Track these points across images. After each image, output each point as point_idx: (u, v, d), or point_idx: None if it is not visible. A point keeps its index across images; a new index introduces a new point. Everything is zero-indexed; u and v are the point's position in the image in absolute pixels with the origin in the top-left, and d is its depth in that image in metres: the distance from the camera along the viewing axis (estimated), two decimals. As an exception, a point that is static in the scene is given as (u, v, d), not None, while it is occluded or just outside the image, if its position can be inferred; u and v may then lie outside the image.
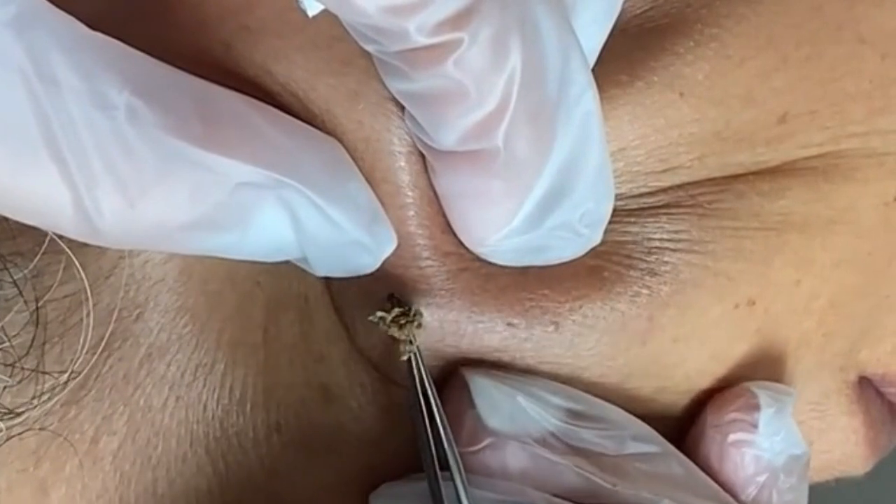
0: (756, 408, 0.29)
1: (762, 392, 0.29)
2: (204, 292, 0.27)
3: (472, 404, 0.27)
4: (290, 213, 0.24)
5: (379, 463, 0.28)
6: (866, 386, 0.34)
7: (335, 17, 0.24)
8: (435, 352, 0.28)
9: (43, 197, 0.22)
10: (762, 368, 0.31)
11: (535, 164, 0.25)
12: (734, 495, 0.29)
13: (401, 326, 0.27)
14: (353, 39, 0.25)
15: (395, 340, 0.27)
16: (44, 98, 0.22)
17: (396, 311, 0.27)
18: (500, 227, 0.26)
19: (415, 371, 0.27)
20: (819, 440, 0.33)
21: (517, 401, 0.27)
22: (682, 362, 0.29)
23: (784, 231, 0.29)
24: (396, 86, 0.25)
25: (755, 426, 0.29)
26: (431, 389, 0.27)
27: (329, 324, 0.28)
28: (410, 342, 0.27)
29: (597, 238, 0.27)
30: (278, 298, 0.28)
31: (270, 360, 0.27)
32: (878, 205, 0.30)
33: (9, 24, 0.21)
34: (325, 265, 0.26)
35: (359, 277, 0.27)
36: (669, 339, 0.29)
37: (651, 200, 0.29)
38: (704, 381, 0.30)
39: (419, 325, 0.27)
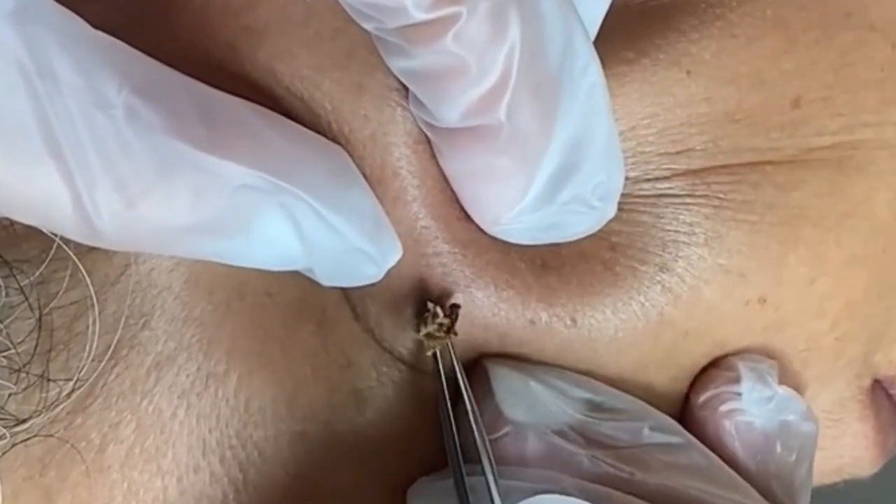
0: (737, 379, 0.29)
1: (740, 363, 0.29)
2: (211, 302, 0.27)
3: (491, 393, 0.27)
4: (291, 220, 0.24)
5: (414, 457, 0.28)
6: (877, 389, 0.33)
7: (335, 4, 0.24)
8: (461, 345, 0.28)
9: (42, 195, 0.22)
10: None
11: (541, 138, 0.25)
12: (734, 468, 0.28)
13: (444, 331, 0.27)
14: (355, 30, 0.25)
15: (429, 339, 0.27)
16: (43, 94, 0.22)
17: (440, 321, 0.27)
18: (512, 205, 0.26)
19: (441, 365, 0.27)
20: (831, 446, 0.33)
21: (537, 392, 0.27)
22: (690, 353, 0.29)
23: (799, 225, 0.29)
24: (397, 64, 0.25)
25: (740, 395, 0.29)
26: (465, 382, 0.27)
27: (352, 331, 0.28)
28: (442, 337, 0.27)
29: (611, 211, 0.27)
30: (294, 309, 0.27)
31: (291, 371, 0.27)
32: (891, 198, 0.30)
33: (7, 17, 0.21)
34: (330, 274, 0.25)
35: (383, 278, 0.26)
36: (680, 333, 0.29)
37: (666, 186, 0.28)
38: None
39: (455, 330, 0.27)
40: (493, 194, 0.26)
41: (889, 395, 0.34)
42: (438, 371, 0.27)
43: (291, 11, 0.26)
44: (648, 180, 0.28)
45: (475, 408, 0.27)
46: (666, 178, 0.28)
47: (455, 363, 0.27)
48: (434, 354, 0.27)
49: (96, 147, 0.22)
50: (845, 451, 0.33)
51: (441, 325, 0.27)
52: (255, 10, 0.26)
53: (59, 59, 0.22)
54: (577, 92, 0.25)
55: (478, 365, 0.28)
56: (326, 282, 0.26)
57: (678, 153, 0.28)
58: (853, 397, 0.33)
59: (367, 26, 0.24)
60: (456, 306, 0.27)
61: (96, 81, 0.22)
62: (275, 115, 0.25)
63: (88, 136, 0.22)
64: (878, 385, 0.33)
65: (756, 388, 0.29)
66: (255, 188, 0.23)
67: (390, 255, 0.26)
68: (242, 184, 0.23)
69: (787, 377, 0.30)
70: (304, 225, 0.24)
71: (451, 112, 0.24)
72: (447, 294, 0.27)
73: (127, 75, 0.22)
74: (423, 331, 0.27)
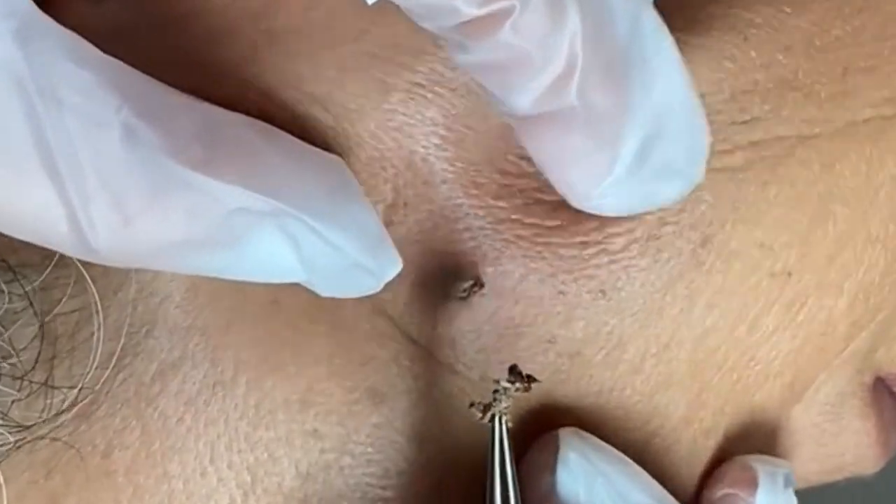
0: (754, 482, 0.29)
1: (759, 466, 0.30)
2: (214, 310, 0.27)
3: (553, 470, 0.28)
4: (290, 239, 0.24)
5: (431, 456, 0.28)
6: (879, 387, 0.33)
7: (358, 8, 0.25)
8: (490, 322, 0.28)
9: (37, 211, 0.22)
10: (783, 346, 0.30)
11: (618, 114, 0.25)
12: None
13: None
14: (379, 31, 0.25)
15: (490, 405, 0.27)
16: (41, 112, 0.22)
17: (518, 385, 0.27)
18: (598, 182, 0.26)
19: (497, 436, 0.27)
20: (832, 443, 0.33)
21: (597, 486, 0.28)
22: (713, 329, 0.29)
23: (832, 202, 0.29)
24: (461, 58, 0.25)
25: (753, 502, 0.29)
26: (513, 473, 0.27)
27: (373, 325, 0.28)
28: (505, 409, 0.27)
29: (700, 175, 0.26)
30: (304, 313, 0.27)
31: (303, 373, 0.27)
32: None
33: (10, 36, 0.21)
34: (328, 287, 0.25)
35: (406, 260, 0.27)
36: (704, 305, 0.29)
37: (727, 161, 0.29)
38: (734, 354, 0.30)
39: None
40: (579, 174, 0.26)
41: (892, 394, 0.34)
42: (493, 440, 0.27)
43: (312, 16, 0.26)
44: (715, 154, 0.28)
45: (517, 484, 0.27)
46: (730, 152, 0.29)
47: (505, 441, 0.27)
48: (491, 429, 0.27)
49: (93, 165, 0.22)
50: (847, 448, 0.33)
51: (515, 389, 0.27)
52: (276, 14, 0.26)
53: (59, 78, 0.22)
54: (649, 62, 0.25)
55: (551, 435, 0.28)
56: (324, 293, 0.26)
57: (744, 122, 0.28)
58: (853, 393, 0.33)
59: (427, 25, 0.24)
60: (531, 378, 0.27)
61: (95, 101, 0.22)
62: (276, 130, 0.25)
63: (85, 155, 0.22)
64: (881, 383, 0.33)
65: (772, 496, 0.29)
66: (251, 210, 0.23)
67: (389, 268, 0.26)
68: (239, 206, 0.23)
69: (806, 365, 0.31)
70: (302, 244, 0.24)
71: (522, 101, 0.24)
72: (476, 267, 0.28)
73: (127, 96, 0.22)
74: (510, 388, 0.27)
